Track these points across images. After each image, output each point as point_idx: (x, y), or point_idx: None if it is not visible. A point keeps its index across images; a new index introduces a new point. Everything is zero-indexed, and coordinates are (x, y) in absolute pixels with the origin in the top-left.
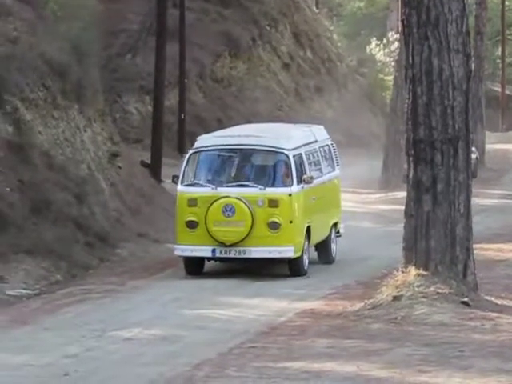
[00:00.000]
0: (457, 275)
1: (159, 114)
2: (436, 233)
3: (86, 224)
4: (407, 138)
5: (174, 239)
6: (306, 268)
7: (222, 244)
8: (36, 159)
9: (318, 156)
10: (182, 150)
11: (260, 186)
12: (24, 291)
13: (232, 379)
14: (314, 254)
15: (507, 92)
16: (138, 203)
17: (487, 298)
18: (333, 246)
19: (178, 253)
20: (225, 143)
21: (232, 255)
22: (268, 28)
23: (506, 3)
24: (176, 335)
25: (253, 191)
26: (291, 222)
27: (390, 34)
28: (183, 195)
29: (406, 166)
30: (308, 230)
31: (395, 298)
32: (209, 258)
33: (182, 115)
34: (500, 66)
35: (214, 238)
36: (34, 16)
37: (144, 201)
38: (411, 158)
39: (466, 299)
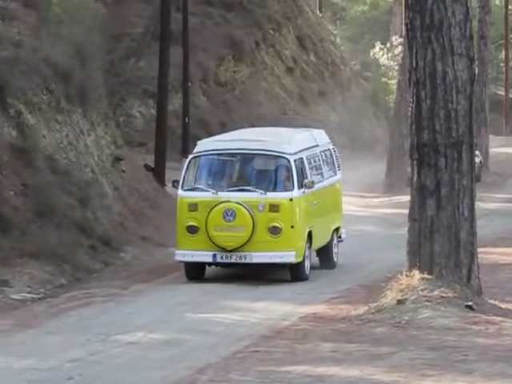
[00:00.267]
0: (461, 279)
1: (163, 117)
2: (440, 237)
3: (90, 228)
4: (411, 141)
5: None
6: (307, 273)
7: (222, 249)
8: (40, 163)
9: (319, 160)
10: (185, 153)
11: (261, 191)
12: (28, 295)
13: (235, 383)
14: (316, 259)
15: (511, 96)
16: (142, 207)
17: (491, 301)
18: (334, 251)
19: (178, 258)
20: (225, 147)
21: (233, 260)
22: (271, 32)
23: (510, 7)
24: (179, 339)
25: (253, 196)
26: (292, 226)
27: (393, 38)
28: (183, 200)
29: (409, 169)
30: (309, 234)
31: (399, 302)
32: (209, 264)
33: (186, 119)
34: (504, 69)
35: (214, 243)
36: (37, 20)
37: (148, 204)
38: (415, 162)
39: (470, 303)
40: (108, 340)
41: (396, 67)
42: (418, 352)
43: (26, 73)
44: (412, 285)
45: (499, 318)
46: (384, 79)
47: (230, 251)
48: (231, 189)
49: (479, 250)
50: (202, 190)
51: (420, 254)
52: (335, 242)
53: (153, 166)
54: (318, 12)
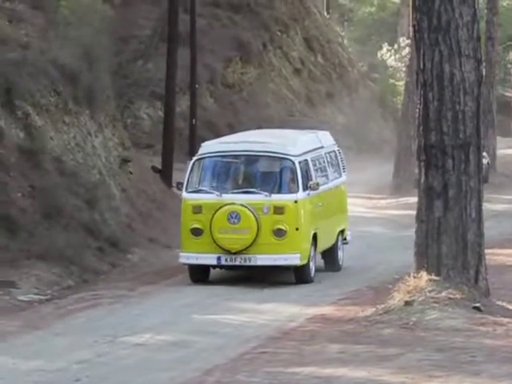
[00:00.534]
0: (468, 280)
1: (170, 119)
2: (447, 238)
3: (98, 229)
4: (418, 143)
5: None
6: (312, 276)
7: (227, 251)
8: (47, 165)
9: (324, 162)
10: (192, 155)
11: (265, 193)
12: (35, 296)
13: None
14: (321, 262)
15: None
16: (149, 208)
17: (499, 303)
18: (339, 254)
19: (182, 260)
20: (229, 149)
21: (237, 263)
22: (279, 33)
23: None
24: (187, 340)
25: (258, 198)
26: (297, 229)
27: (401, 40)
28: (188, 202)
29: (417, 171)
30: (314, 237)
31: (407, 303)
32: (214, 266)
33: (193, 120)
34: (511, 71)
35: (219, 245)
36: (45, 21)
37: (155, 206)
38: (422, 164)
39: (477, 304)
40: (115, 341)
41: (403, 69)
42: (425, 353)
43: (34, 75)
44: (419, 286)
45: (507, 319)
46: (391, 81)
47: (235, 254)
48: (236, 191)
49: (486, 251)
50: (207, 192)
51: (427, 255)
52: (340, 244)
53: (160, 167)
54: (325, 13)
